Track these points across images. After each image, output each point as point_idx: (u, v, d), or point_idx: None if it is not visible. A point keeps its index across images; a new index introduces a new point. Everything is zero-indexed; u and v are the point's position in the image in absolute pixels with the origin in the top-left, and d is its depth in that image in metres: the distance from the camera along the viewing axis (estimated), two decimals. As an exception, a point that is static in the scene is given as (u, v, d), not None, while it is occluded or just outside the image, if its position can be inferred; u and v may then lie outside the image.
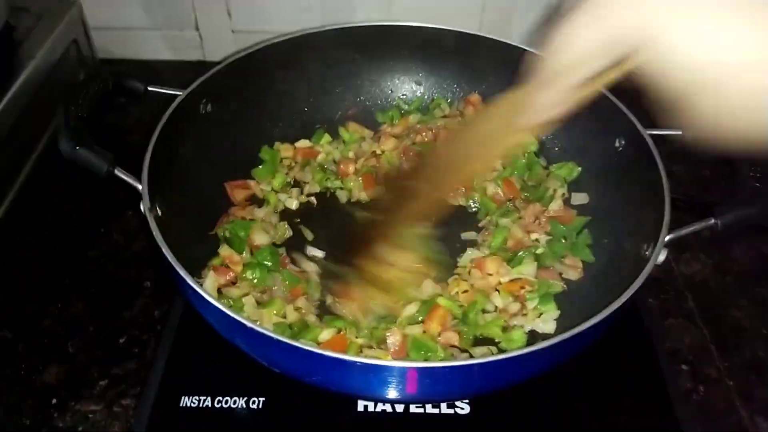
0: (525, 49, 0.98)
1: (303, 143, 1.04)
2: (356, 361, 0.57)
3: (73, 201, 1.05)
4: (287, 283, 0.82)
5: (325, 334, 0.77)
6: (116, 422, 0.78)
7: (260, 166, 0.99)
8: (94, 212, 1.03)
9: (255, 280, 0.81)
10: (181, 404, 0.74)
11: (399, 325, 0.78)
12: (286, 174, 1.01)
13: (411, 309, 0.80)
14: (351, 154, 1.03)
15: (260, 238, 0.88)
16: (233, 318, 0.59)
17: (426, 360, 0.73)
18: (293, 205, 0.97)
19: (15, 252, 0.97)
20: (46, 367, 0.83)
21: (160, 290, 0.92)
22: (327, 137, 1.05)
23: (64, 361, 0.84)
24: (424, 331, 0.78)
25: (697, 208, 0.76)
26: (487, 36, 1.01)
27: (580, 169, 0.98)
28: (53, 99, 1.12)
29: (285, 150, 1.03)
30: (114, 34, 1.30)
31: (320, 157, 1.03)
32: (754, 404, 0.82)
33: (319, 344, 0.75)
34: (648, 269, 0.67)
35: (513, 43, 0.99)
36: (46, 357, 0.84)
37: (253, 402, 0.74)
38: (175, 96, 0.86)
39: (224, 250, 0.85)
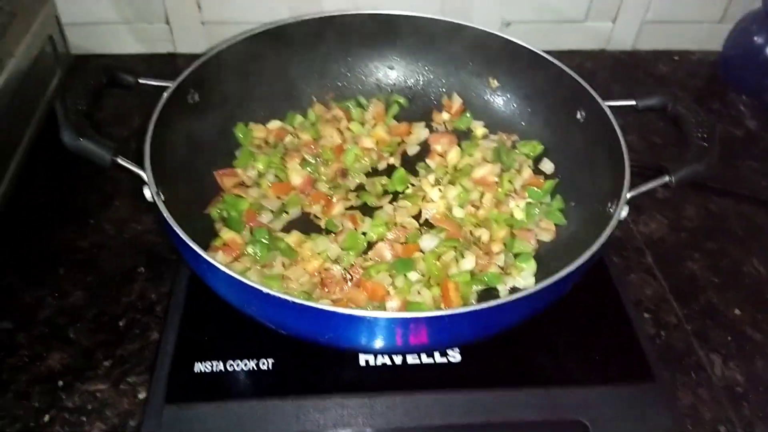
0: (489, 32, 1.05)
1: (274, 124, 1.07)
2: (362, 316, 0.63)
3: (61, 195, 1.07)
4: (286, 257, 0.87)
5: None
6: (124, 398, 0.81)
7: (238, 157, 1.01)
8: (83, 203, 1.05)
9: (257, 256, 0.86)
10: (195, 370, 0.78)
11: (401, 292, 0.84)
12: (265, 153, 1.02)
13: (414, 277, 0.86)
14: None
15: (265, 216, 0.94)
16: (249, 285, 0.64)
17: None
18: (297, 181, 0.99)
19: (8, 246, 0.98)
20: (50, 354, 0.85)
21: (155, 275, 0.95)
22: (299, 118, 1.08)
23: (66, 346, 0.86)
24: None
25: (651, 173, 0.83)
26: (451, 20, 1.06)
27: (542, 147, 1.05)
28: (33, 96, 1.14)
29: (258, 130, 1.05)
30: (85, 30, 1.31)
31: (287, 139, 1.06)
32: (710, 344, 0.91)
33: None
34: (613, 223, 0.75)
35: (476, 26, 1.05)
36: (48, 344, 0.86)
37: (263, 363, 0.79)
38: (163, 87, 0.89)
39: (225, 233, 0.88)
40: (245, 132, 1.04)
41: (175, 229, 0.70)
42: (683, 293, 0.98)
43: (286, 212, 0.96)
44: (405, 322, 0.64)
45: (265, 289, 0.64)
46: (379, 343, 0.68)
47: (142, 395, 0.82)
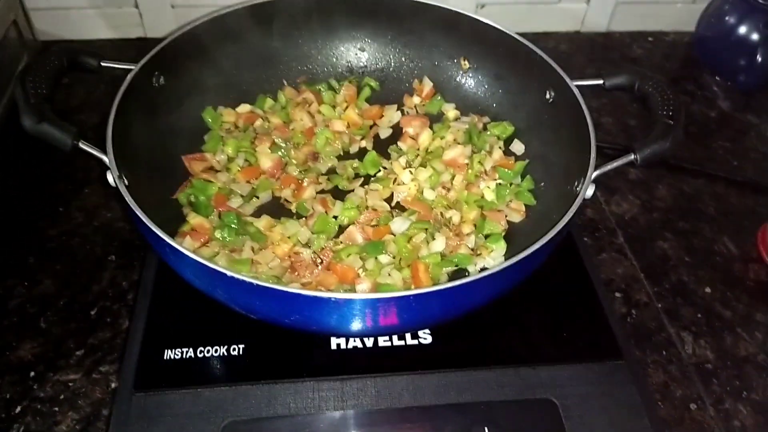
0: (459, 12, 1.04)
1: (244, 108, 1.05)
2: (330, 297, 0.63)
3: (30, 181, 1.05)
4: (256, 242, 0.86)
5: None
6: (97, 387, 0.81)
7: (207, 142, 1.00)
8: (52, 191, 1.04)
9: (226, 240, 0.85)
10: (165, 357, 0.78)
11: (371, 274, 0.84)
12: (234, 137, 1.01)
13: (385, 259, 0.86)
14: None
15: (235, 201, 0.93)
16: (215, 269, 0.64)
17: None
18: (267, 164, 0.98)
19: (-26, 235, 0.97)
20: (20, 344, 0.84)
21: (126, 263, 0.94)
22: (269, 102, 1.07)
23: (37, 336, 0.85)
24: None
25: (623, 153, 0.84)
26: (423, 1, 1.05)
27: (513, 128, 1.04)
28: (-1, 81, 1.12)
29: (227, 114, 1.04)
30: (52, 15, 1.28)
31: (258, 123, 1.04)
32: (680, 322, 0.92)
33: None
34: (578, 200, 0.75)
35: (445, 6, 1.05)
36: (19, 334, 0.85)
37: (234, 349, 0.79)
38: (128, 70, 0.87)
39: (193, 218, 0.88)
40: (214, 116, 1.03)
41: (138, 213, 0.69)
42: (654, 272, 0.99)
43: (257, 197, 0.96)
44: (371, 303, 0.64)
45: (228, 272, 0.63)
46: (346, 325, 0.68)
47: (114, 384, 0.81)
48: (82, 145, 0.76)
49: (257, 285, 0.63)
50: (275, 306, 0.67)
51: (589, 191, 0.78)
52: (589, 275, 0.93)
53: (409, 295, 0.62)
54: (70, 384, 0.82)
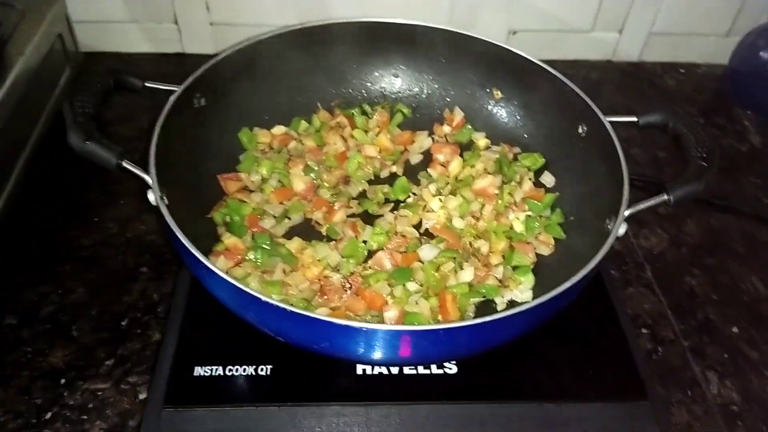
0: (491, 43, 1.05)
1: (279, 129, 1.07)
2: (358, 327, 0.64)
3: (67, 192, 1.08)
4: (287, 263, 0.88)
5: (320, 312, 0.82)
6: (125, 398, 0.82)
7: (242, 162, 1.02)
8: (88, 202, 1.06)
9: (258, 262, 0.87)
10: (195, 374, 0.79)
11: (399, 301, 0.84)
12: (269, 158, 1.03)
13: (412, 287, 0.87)
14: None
15: (267, 221, 0.95)
16: (247, 292, 0.65)
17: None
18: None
19: (14, 242, 0.99)
20: (52, 350, 0.86)
21: (158, 275, 0.96)
22: (304, 124, 1.09)
23: (69, 344, 0.87)
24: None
25: (653, 187, 0.84)
26: (457, 31, 1.07)
27: (543, 160, 1.05)
28: (42, 93, 1.15)
29: (263, 135, 1.06)
30: (94, 28, 1.31)
31: (292, 145, 1.06)
32: (706, 361, 0.91)
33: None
34: (611, 240, 0.76)
35: (478, 36, 1.06)
36: (51, 341, 0.87)
37: (262, 369, 0.80)
38: (171, 91, 0.90)
39: (227, 239, 0.89)
40: (250, 137, 1.05)
41: (177, 234, 0.71)
42: (681, 309, 0.98)
43: (288, 218, 0.97)
44: (399, 335, 0.65)
45: (262, 297, 0.65)
46: (373, 354, 0.69)
47: (142, 395, 0.83)
48: (126, 165, 0.78)
49: (289, 311, 0.64)
50: (305, 332, 0.68)
51: (621, 230, 0.78)
52: (616, 309, 0.92)
53: (438, 329, 0.63)
54: (99, 393, 0.83)
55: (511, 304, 0.89)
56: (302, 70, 1.09)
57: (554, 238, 0.96)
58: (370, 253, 0.93)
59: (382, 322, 0.82)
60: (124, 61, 1.35)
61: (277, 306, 0.64)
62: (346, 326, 0.63)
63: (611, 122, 0.90)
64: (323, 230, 0.97)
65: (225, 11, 1.31)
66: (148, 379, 0.84)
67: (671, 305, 0.99)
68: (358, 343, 0.67)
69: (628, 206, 0.79)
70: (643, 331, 0.95)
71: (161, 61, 1.36)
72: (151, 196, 0.77)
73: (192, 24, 1.33)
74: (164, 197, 0.77)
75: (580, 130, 0.97)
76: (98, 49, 1.35)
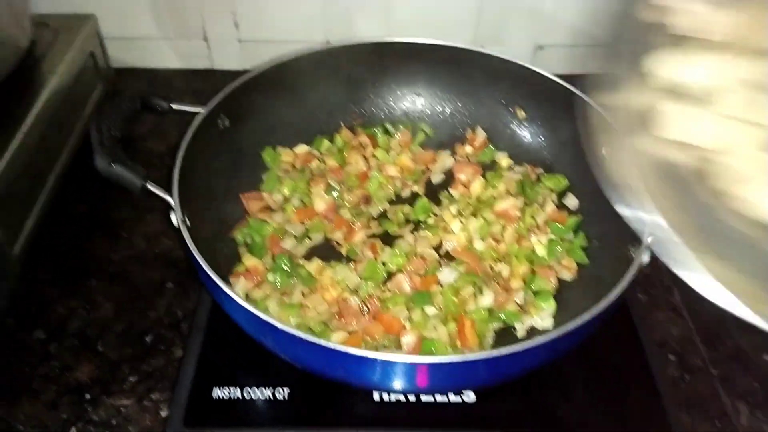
0: (515, 62, 1.04)
1: (302, 149, 1.08)
2: (374, 358, 0.64)
3: (97, 207, 1.11)
4: (306, 285, 0.88)
5: (337, 336, 0.83)
6: (147, 415, 0.84)
7: (265, 181, 1.03)
8: (116, 217, 1.08)
9: (277, 284, 0.87)
10: (213, 395, 0.80)
11: (417, 326, 0.84)
12: (291, 178, 1.04)
13: (431, 311, 0.87)
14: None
15: (288, 242, 0.95)
16: (264, 319, 0.66)
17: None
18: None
19: (44, 257, 1.02)
20: (79, 366, 0.88)
21: (182, 291, 0.98)
22: (326, 143, 1.10)
23: (94, 359, 0.89)
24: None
25: None
26: (479, 50, 1.06)
27: (567, 181, 1.03)
28: (74, 110, 1.18)
29: (286, 154, 1.07)
30: (125, 44, 1.35)
31: (314, 164, 1.07)
32: (736, 391, 0.88)
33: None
34: (634, 268, 0.74)
35: (504, 57, 1.05)
36: (78, 356, 0.90)
37: (279, 392, 0.81)
38: (197, 113, 0.91)
39: (248, 260, 0.90)
40: (273, 156, 1.06)
41: (197, 258, 0.72)
42: (711, 335, 0.95)
43: (309, 237, 0.98)
44: (415, 366, 0.65)
45: (278, 324, 0.65)
46: (389, 383, 0.69)
47: (164, 413, 0.84)
48: (150, 187, 0.80)
49: (305, 339, 0.64)
50: (321, 360, 0.68)
51: (645, 257, 0.76)
52: (640, 334, 0.90)
53: (455, 362, 0.63)
54: (122, 409, 0.85)
55: (532, 331, 0.88)
56: (325, 90, 1.10)
57: (577, 263, 0.95)
58: (389, 275, 0.93)
59: (399, 346, 0.81)
60: (153, 77, 1.38)
61: (292, 334, 0.64)
62: (362, 356, 0.63)
63: (637, 145, 0.88)
64: (343, 250, 0.97)
65: (253, 28, 1.33)
66: (170, 397, 0.85)
67: (700, 331, 0.96)
68: (373, 373, 0.67)
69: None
70: (670, 357, 0.92)
71: (190, 77, 1.38)
72: (174, 218, 0.78)
73: (221, 41, 1.35)
74: (186, 219, 0.79)
75: (604, 152, 0.95)
76: (129, 65, 1.38)
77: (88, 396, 0.86)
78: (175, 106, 0.91)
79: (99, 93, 1.28)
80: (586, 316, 0.68)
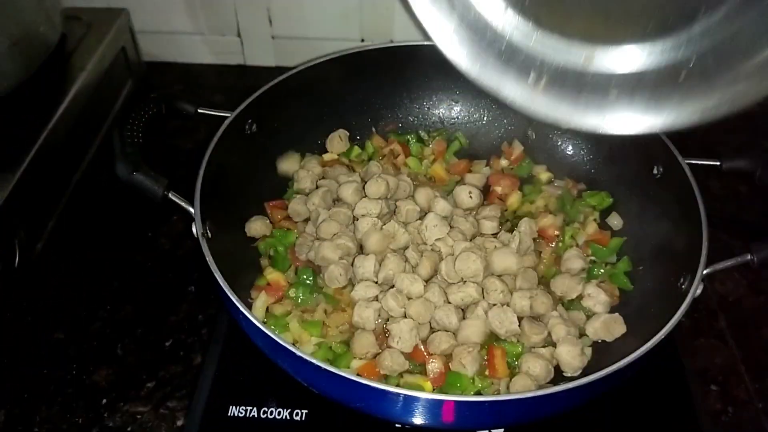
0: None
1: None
2: (394, 391, 0.60)
3: (122, 204, 1.08)
4: (329, 303, 0.85)
5: (355, 363, 0.79)
6: (163, 423, 0.82)
7: (290, 188, 1.00)
8: (142, 217, 1.07)
9: (299, 299, 0.84)
10: (229, 413, 0.78)
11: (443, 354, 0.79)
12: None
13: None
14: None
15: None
16: (279, 343, 0.63)
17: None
18: None
19: (67, 256, 1.01)
20: (96, 369, 0.87)
21: (204, 295, 0.96)
22: (356, 150, 1.05)
23: (113, 363, 0.88)
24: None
25: (733, 225, 0.76)
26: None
27: (611, 199, 0.97)
28: (104, 103, 1.17)
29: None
30: (158, 38, 1.33)
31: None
32: (783, 427, 0.83)
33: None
34: (687, 303, 0.69)
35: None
36: (96, 359, 0.88)
37: (296, 414, 0.78)
38: (224, 117, 0.88)
39: (269, 273, 0.87)
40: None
41: (217, 275, 0.69)
42: (757, 365, 0.90)
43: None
44: (440, 404, 0.61)
45: (297, 351, 0.62)
46: (412, 419, 0.65)
47: (180, 422, 0.82)
48: (172, 197, 0.78)
49: (323, 368, 0.61)
50: (340, 390, 0.65)
51: (698, 290, 0.70)
52: (682, 362, 0.86)
53: (483, 401, 0.59)
54: (138, 416, 0.83)
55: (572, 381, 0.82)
56: (357, 95, 1.06)
57: (619, 289, 0.89)
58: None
59: (424, 373, 0.77)
60: (185, 72, 1.36)
61: (310, 361, 0.61)
62: (383, 390, 0.59)
63: (690, 164, 0.82)
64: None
65: (287, 25, 1.29)
66: (187, 405, 0.83)
67: (746, 360, 0.91)
68: (395, 407, 0.63)
69: (707, 265, 0.72)
70: (713, 388, 0.88)
71: (223, 73, 1.36)
72: (195, 230, 0.76)
73: (254, 37, 1.32)
74: (208, 230, 0.76)
75: (655, 171, 0.89)
76: (161, 59, 1.36)
77: (104, 401, 0.84)
78: (201, 110, 0.88)
79: (130, 88, 1.26)
80: (625, 360, 0.63)
